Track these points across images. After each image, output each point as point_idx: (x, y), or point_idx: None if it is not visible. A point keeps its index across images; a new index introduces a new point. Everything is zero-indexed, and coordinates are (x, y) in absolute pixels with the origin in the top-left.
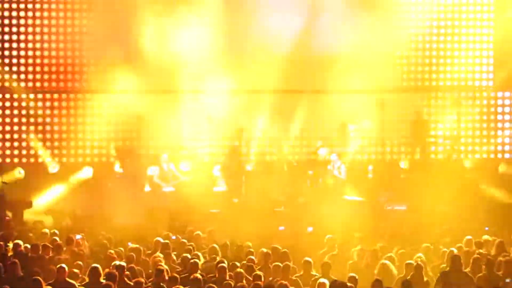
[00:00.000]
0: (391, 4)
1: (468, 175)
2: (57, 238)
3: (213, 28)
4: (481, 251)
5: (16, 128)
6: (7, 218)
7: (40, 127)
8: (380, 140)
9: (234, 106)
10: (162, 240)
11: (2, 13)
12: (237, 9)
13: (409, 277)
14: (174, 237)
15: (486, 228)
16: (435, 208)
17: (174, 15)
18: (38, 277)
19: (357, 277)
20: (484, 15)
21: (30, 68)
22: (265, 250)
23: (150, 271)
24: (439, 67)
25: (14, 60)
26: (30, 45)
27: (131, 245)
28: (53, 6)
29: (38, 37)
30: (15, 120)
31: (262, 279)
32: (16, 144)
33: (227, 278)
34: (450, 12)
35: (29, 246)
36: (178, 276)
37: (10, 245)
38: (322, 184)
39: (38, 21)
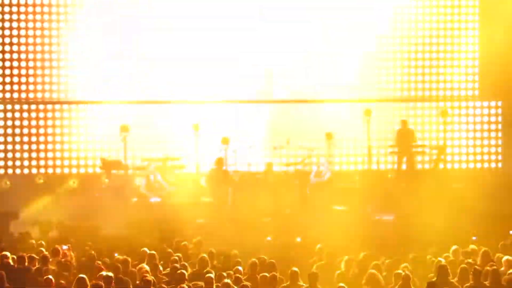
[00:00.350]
0: (378, 12)
1: (454, 185)
2: (44, 249)
3: (198, 35)
4: (469, 260)
5: (1, 139)
6: None
7: (26, 138)
8: (367, 149)
9: (221, 115)
10: (148, 251)
11: None
12: (224, 16)
13: (397, 287)
14: None
15: (474, 238)
16: (422, 218)
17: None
18: None
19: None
20: (469, 25)
21: (16, 79)
22: (252, 260)
23: (137, 282)
24: (425, 77)
25: None
26: (15, 55)
27: (118, 256)
28: (38, 16)
29: (23, 48)
30: (1, 131)
31: None
32: (2, 155)
33: None
34: (435, 22)
35: (15, 257)
36: (166, 286)
37: None
38: (309, 194)
39: (22, 32)
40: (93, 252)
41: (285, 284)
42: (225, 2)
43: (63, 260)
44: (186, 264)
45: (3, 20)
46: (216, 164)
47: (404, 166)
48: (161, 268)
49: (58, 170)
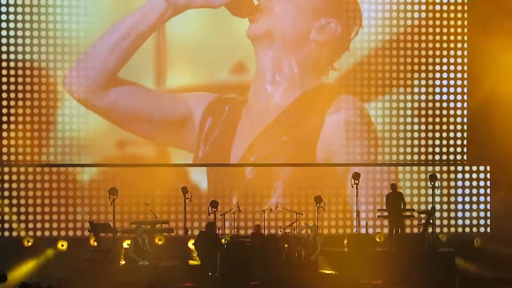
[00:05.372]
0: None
1: (443, 249)
2: None
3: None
4: None
5: None
6: None
7: (14, 201)
8: (356, 213)
9: (209, 177)
10: None
11: None
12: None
13: None
14: None
15: None
16: (410, 282)
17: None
18: None
19: None
20: (458, 89)
21: (5, 142)
22: None
23: None
24: (414, 141)
25: None
26: (4, 118)
27: None
28: (27, 79)
29: (12, 110)
30: None
31: None
32: None
33: None
34: (424, 86)
35: None
36: None
37: None
38: (297, 258)
39: (12, 94)
40: None
41: None
42: None
43: None
44: None
45: None
46: (207, 228)
47: (393, 231)
48: None
49: (46, 233)
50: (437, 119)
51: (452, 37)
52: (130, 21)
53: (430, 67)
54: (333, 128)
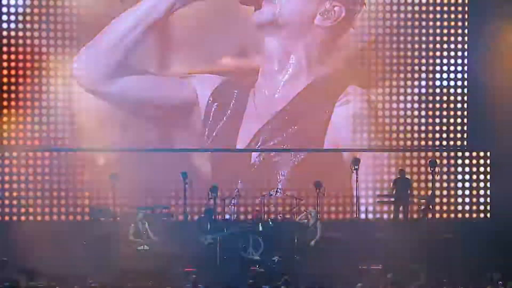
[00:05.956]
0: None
1: (444, 235)
2: None
3: None
4: None
5: None
6: None
7: (14, 185)
8: (355, 198)
9: (209, 160)
10: None
11: None
12: None
13: None
14: None
15: None
16: (410, 267)
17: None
18: None
19: None
20: (458, 75)
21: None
22: None
23: None
24: (414, 126)
25: None
26: (5, 103)
27: None
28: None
29: (13, 95)
30: None
31: None
32: None
33: None
34: (424, 72)
35: None
36: None
37: None
38: (296, 243)
39: (13, 79)
40: None
41: None
42: None
43: None
44: None
45: None
46: (206, 213)
47: (398, 216)
48: None
49: (47, 218)
50: (438, 105)
51: (452, 23)
52: (139, 12)
53: (431, 53)
54: (342, 120)
